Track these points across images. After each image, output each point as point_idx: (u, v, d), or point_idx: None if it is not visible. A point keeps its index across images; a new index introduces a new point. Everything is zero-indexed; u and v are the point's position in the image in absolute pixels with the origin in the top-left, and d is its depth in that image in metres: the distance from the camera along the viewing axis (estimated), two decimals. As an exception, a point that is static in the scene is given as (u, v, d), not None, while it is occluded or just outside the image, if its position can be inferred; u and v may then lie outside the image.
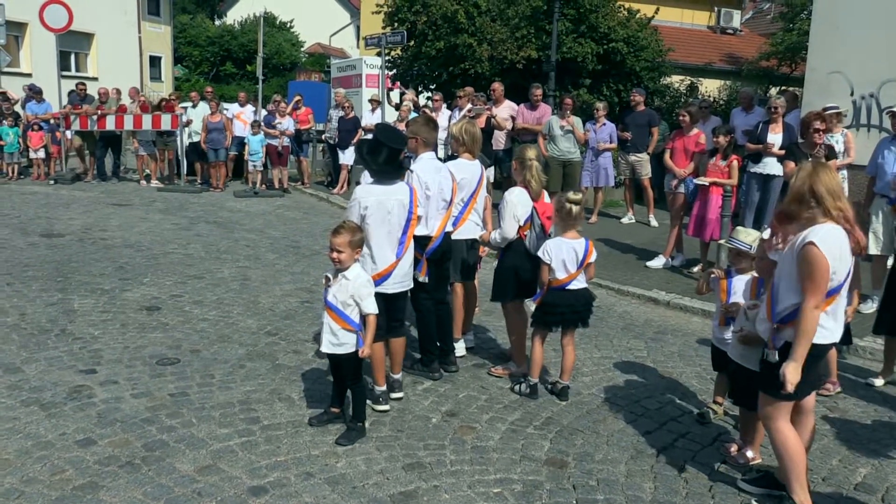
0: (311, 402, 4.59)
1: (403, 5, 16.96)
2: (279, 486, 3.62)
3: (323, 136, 15.31)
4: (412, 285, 4.68)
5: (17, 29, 20.71)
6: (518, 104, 11.59)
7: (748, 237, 4.20)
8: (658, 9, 16.76)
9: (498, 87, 11.37)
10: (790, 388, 3.26)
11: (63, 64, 19.55)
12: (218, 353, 5.37)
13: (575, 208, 4.63)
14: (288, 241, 9.59)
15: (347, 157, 13.77)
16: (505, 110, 11.23)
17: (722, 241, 5.93)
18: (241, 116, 14.69)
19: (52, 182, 13.87)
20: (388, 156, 4.38)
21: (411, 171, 4.77)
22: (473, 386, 5.02)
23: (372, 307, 4.03)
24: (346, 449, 4.01)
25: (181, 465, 3.78)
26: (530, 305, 4.76)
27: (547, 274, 4.63)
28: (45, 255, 8.18)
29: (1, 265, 7.65)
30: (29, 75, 20.10)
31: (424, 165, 4.86)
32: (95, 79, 23.81)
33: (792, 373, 3.26)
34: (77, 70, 24.36)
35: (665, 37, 16.92)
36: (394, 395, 4.63)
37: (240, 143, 14.48)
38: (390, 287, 4.46)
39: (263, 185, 14.07)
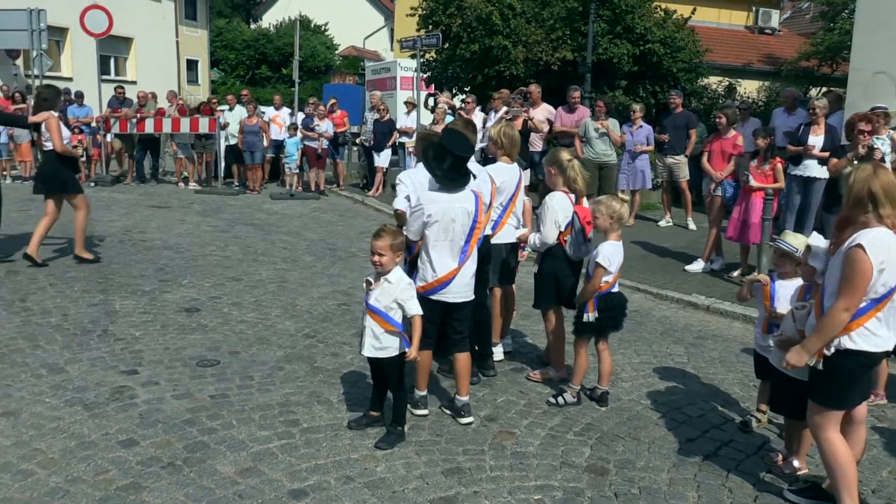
0: (349, 405, 4.59)
1: (438, 8, 16.96)
2: (319, 490, 3.62)
3: (358, 139, 15.38)
4: (473, 296, 4.53)
5: (58, 34, 21.15)
6: (553, 106, 11.53)
7: (795, 240, 4.11)
8: (695, 9, 16.55)
9: (535, 89, 11.31)
10: (787, 365, 3.40)
11: (103, 68, 19.95)
12: (257, 355, 5.40)
13: (625, 211, 4.61)
14: (324, 243, 9.64)
15: (383, 159, 13.83)
16: (542, 112, 11.17)
17: (772, 242, 5.80)
18: (277, 119, 14.83)
19: (92, 184, 14.11)
20: (453, 163, 4.27)
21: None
22: (512, 390, 4.98)
23: (417, 308, 4.01)
24: (386, 453, 4.00)
25: (222, 467, 3.80)
26: (590, 317, 4.63)
27: (600, 279, 4.57)
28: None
29: (47, 267, 7.79)
30: (70, 79, 20.52)
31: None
32: (134, 82, 24.26)
33: (795, 357, 3.34)
34: (116, 74, 24.84)
35: (702, 37, 16.70)
36: (463, 421, 4.40)
37: (276, 145, 14.62)
38: (451, 295, 4.33)
39: (299, 188, 14.18)
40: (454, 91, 17.37)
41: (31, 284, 7.09)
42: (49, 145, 7.86)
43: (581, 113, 11.16)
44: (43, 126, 7.78)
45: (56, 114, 8.02)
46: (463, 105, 13.21)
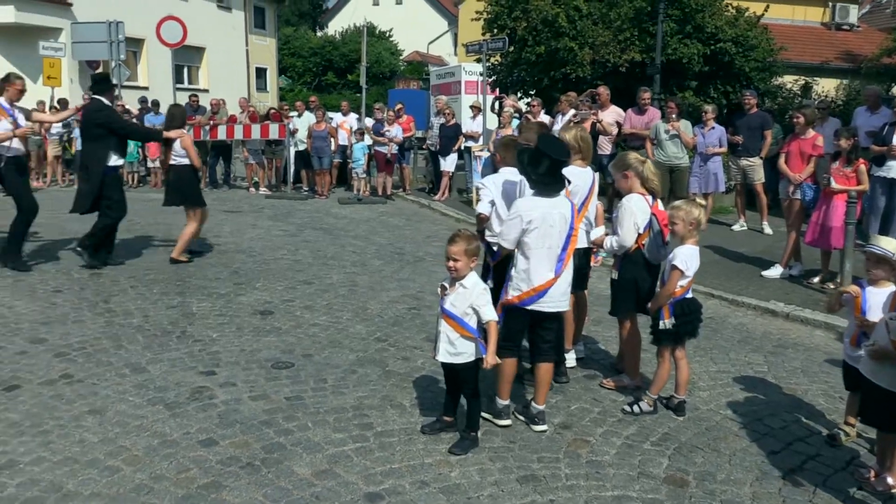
0: (422, 409, 4.59)
1: (503, 12, 16.93)
2: (395, 494, 3.63)
3: (425, 144, 15.46)
4: (567, 307, 4.45)
5: (135, 45, 21.93)
6: (621, 108, 11.36)
7: (889, 245, 3.92)
8: (768, 6, 16.07)
9: (604, 91, 11.16)
10: None
11: (177, 77, 20.59)
12: (329, 358, 5.46)
13: (703, 217, 4.51)
14: (392, 247, 9.71)
15: (449, 163, 13.87)
16: (611, 115, 11.02)
17: (861, 247, 5.55)
18: (344, 125, 15.03)
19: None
20: (549, 167, 4.20)
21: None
22: (585, 398, 4.90)
23: (492, 314, 3.99)
24: (460, 459, 3.98)
25: (299, 469, 3.84)
26: (666, 324, 4.53)
27: (675, 283, 4.46)
28: (165, 259, 8.55)
29: (125, 269, 8.07)
30: (146, 88, 21.24)
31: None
32: (206, 90, 24.96)
33: None
34: (189, 83, 25.59)
35: (776, 35, 16.21)
36: (536, 428, 4.33)
37: (343, 150, 14.82)
38: (545, 305, 4.26)
39: (366, 192, 14.33)
40: (520, 94, 17.31)
41: (113, 287, 7.34)
42: (180, 160, 8.35)
43: (651, 115, 10.96)
44: (178, 142, 8.28)
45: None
46: (529, 108, 13.14)
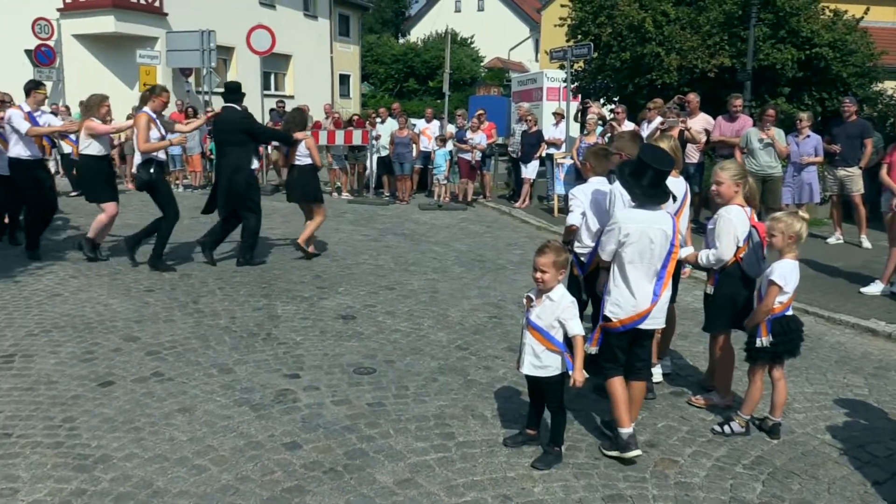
0: (504, 421, 4.53)
1: (588, 17, 16.74)
2: (477, 507, 3.57)
3: (506, 150, 15.40)
4: (664, 324, 4.29)
5: (225, 53, 22.67)
6: (711, 116, 11.01)
7: None
8: (868, 9, 15.34)
9: (693, 98, 10.84)
10: None
11: (264, 83, 21.16)
12: (411, 365, 5.46)
13: (805, 230, 4.29)
14: (473, 254, 9.68)
15: (530, 171, 13.77)
16: (699, 122, 10.69)
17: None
18: (426, 132, 15.12)
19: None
20: (653, 178, 4.04)
21: (612, 190, 4.59)
22: (673, 416, 4.74)
23: (579, 328, 3.88)
24: (543, 473, 3.90)
25: (381, 476, 3.84)
26: (764, 342, 4.31)
27: (773, 299, 4.26)
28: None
29: (214, 270, 8.30)
30: (236, 95, 21.86)
31: (628, 183, 4.66)
32: (292, 97, 25.57)
33: None
34: (276, 89, 26.27)
35: (877, 39, 15.48)
36: (628, 455, 4.02)
37: (425, 156, 14.91)
38: (646, 324, 4.11)
39: (447, 198, 14.37)
40: (603, 101, 17.06)
41: (202, 287, 7.56)
42: (304, 160, 8.91)
43: (742, 122, 10.58)
44: (302, 143, 8.83)
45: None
46: (613, 115, 12.93)
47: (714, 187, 4.64)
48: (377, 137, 14.67)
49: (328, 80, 29.66)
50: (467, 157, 14.04)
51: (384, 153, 14.78)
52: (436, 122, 15.54)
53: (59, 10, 19.66)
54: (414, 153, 14.50)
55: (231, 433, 4.30)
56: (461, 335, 6.21)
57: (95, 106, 8.43)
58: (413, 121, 16.17)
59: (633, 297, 4.06)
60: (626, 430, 4.03)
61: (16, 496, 3.60)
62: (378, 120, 15.33)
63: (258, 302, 7.06)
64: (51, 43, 19.33)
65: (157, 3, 20.31)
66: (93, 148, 8.26)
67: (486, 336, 6.21)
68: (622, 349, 4.15)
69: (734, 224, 4.50)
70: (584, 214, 4.95)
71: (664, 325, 4.26)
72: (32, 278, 7.80)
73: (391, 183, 15.17)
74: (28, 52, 19.02)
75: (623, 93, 16.08)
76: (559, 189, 12.87)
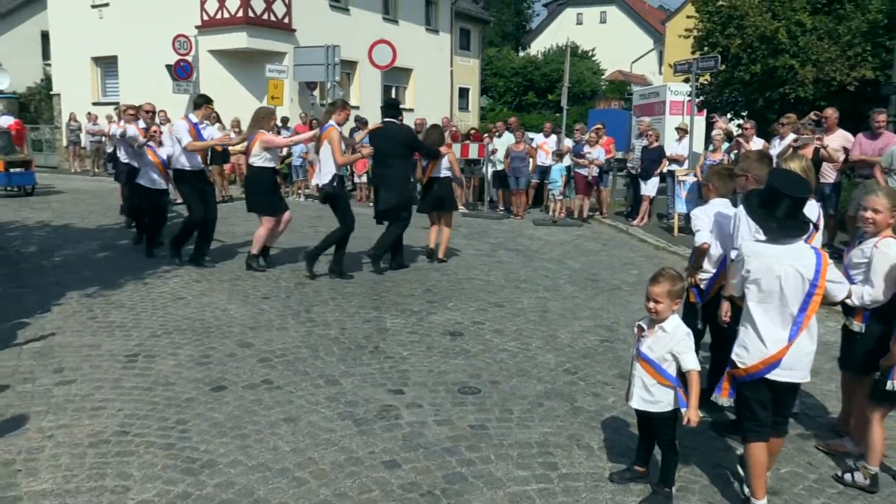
0: (611, 454, 4.30)
1: (715, 28, 16.13)
2: (578, 546, 3.38)
3: (627, 166, 14.99)
4: (808, 377, 3.71)
5: (349, 67, 23.29)
6: (850, 133, 10.25)
7: None
8: None
9: (832, 113, 10.11)
10: None
11: (385, 96, 21.59)
12: (517, 388, 5.31)
13: None
14: (587, 273, 9.40)
15: (650, 187, 13.32)
16: (837, 140, 9.96)
17: None
18: (544, 146, 14.93)
19: (371, 204, 15.22)
20: (789, 208, 3.56)
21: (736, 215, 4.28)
22: (798, 461, 4.35)
23: (694, 363, 3.61)
24: (651, 515, 3.66)
25: (479, 504, 3.72)
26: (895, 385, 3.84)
27: None
28: (365, 273, 8.88)
29: (327, 280, 8.45)
30: (357, 108, 22.45)
31: (755, 206, 4.34)
32: (411, 110, 25.94)
33: None
34: (397, 102, 26.71)
35: None
36: None
37: (541, 171, 14.73)
38: (780, 374, 3.57)
39: (562, 214, 14.11)
40: (730, 116, 16.32)
41: (315, 297, 7.70)
42: (445, 173, 9.48)
43: (886, 140, 9.76)
44: (446, 157, 9.36)
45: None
46: (741, 131, 12.30)
47: (868, 214, 4.10)
48: (493, 151, 14.62)
49: (447, 93, 29.94)
50: (584, 172, 13.74)
51: (500, 167, 14.71)
52: (553, 137, 15.32)
53: (197, 27, 20.82)
54: (530, 168, 14.34)
55: (332, 447, 4.29)
56: (570, 358, 6.00)
57: (266, 119, 8.81)
58: (530, 135, 16.03)
59: (761, 341, 3.59)
60: (759, 501, 3.65)
61: (126, 494, 3.72)
62: (495, 134, 15.29)
63: (368, 314, 7.11)
64: (189, 58, 20.50)
65: (286, 20, 21.14)
66: (263, 160, 8.63)
67: (596, 361, 5.97)
68: (761, 404, 3.63)
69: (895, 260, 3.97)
70: (711, 232, 4.66)
71: (807, 378, 3.69)
72: (160, 281, 8.20)
73: (506, 197, 15.07)
74: (168, 66, 20.24)
75: (752, 107, 15.36)
76: (680, 207, 12.36)
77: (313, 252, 8.61)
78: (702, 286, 4.87)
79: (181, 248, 9.08)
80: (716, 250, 4.74)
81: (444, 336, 6.48)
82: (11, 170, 15.94)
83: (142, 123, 9.82)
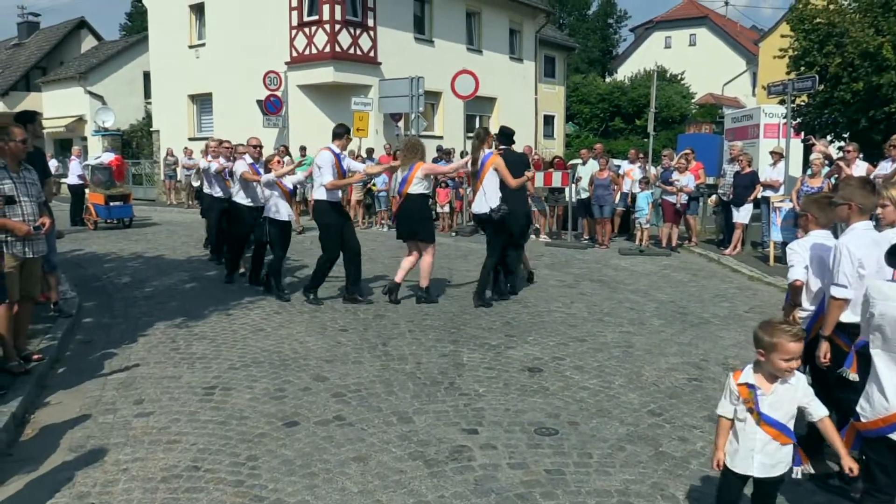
0: (699, 506, 3.98)
1: (812, 47, 15.40)
2: None
3: (718, 192, 14.41)
4: None
5: (433, 97, 23.49)
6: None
7: None
8: None
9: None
10: None
11: (468, 126, 21.64)
12: (597, 429, 5.03)
13: None
14: (675, 305, 8.98)
15: (742, 215, 12.73)
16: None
17: None
18: (630, 173, 14.56)
19: (453, 234, 15.18)
20: None
21: (838, 245, 3.93)
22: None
23: (822, 408, 3.23)
24: (744, 578, 3.33)
25: (553, 558, 3.47)
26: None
27: None
28: (443, 304, 8.76)
29: (406, 311, 8.38)
30: (440, 137, 22.59)
31: (858, 237, 3.98)
32: (415, 135, 25.91)
33: None
34: (481, 131, 26.75)
35: None
36: None
37: (627, 199, 14.34)
38: None
39: (649, 243, 13.66)
40: (830, 138, 15.50)
41: (393, 329, 7.62)
42: (421, 189, 8.89)
43: None
44: (421, 171, 8.88)
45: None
46: (842, 154, 11.61)
47: None
48: (578, 180, 14.34)
49: (532, 121, 29.79)
50: (672, 199, 13.28)
51: (585, 195, 14.40)
52: (639, 164, 14.92)
53: (286, 63, 21.49)
54: (615, 195, 13.98)
55: (401, 489, 4.14)
56: (655, 398, 5.67)
57: (421, 148, 8.97)
58: (616, 162, 15.67)
59: (883, 396, 3.17)
60: None
61: (193, 536, 3.66)
62: (579, 161, 15.01)
63: (445, 347, 6.97)
64: (279, 93, 21.14)
65: (371, 54, 21.56)
66: (422, 188, 8.75)
67: (683, 401, 5.61)
68: (883, 469, 3.21)
69: None
70: (806, 268, 4.32)
71: None
72: (242, 312, 8.31)
73: (590, 226, 14.73)
74: (259, 101, 20.92)
75: (854, 128, 14.53)
76: (776, 236, 11.74)
77: (479, 290, 8.79)
78: (801, 325, 4.51)
79: (317, 289, 8.86)
80: (816, 285, 4.39)
81: (522, 372, 6.26)
82: (111, 203, 16.75)
83: (249, 158, 9.67)
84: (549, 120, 32.86)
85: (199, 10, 25.06)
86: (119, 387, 5.84)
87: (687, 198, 13.40)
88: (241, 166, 9.63)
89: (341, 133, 8.84)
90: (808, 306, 4.44)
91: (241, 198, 9.70)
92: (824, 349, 4.08)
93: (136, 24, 51.40)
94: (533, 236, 14.95)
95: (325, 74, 20.88)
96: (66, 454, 4.61)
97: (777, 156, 13.06)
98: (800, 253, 4.38)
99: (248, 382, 5.93)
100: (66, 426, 5.04)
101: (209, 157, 11.05)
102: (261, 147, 10.11)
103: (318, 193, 8.68)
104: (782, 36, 16.94)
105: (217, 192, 10.95)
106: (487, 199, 8.58)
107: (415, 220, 8.74)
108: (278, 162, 9.84)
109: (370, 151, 18.54)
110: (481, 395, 5.68)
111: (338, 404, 5.45)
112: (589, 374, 6.23)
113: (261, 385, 5.87)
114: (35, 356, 6.27)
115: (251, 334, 7.39)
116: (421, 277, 8.87)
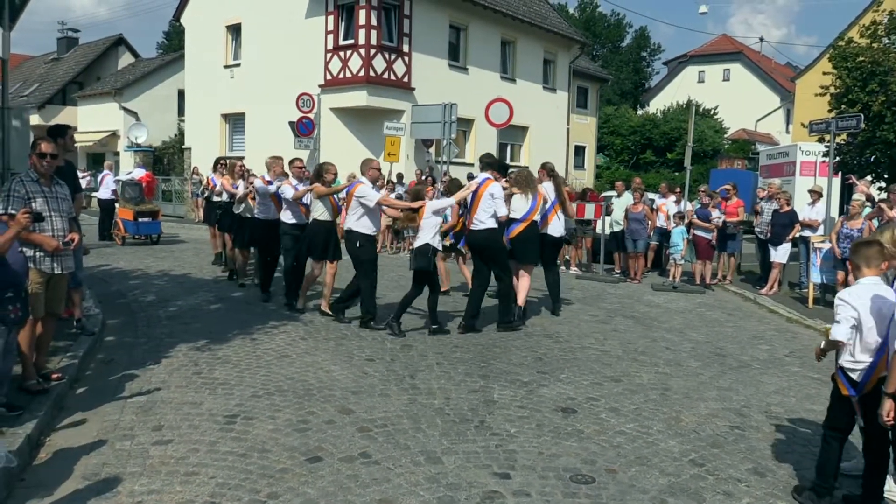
0: (751, 572, 3.68)
1: (854, 85, 15.07)
2: None
3: (755, 230, 14.07)
4: None
5: (465, 125, 23.44)
6: None
7: None
8: None
9: None
10: None
11: (500, 154, 21.51)
12: (635, 479, 4.74)
13: None
14: (711, 346, 8.65)
15: (780, 254, 12.39)
16: None
17: None
18: (663, 207, 14.28)
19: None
20: None
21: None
22: None
23: None
24: None
25: None
26: None
27: None
28: (472, 336, 8.52)
29: (434, 343, 8.14)
30: (471, 164, 22.45)
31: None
32: (526, 167, 25.73)
33: None
34: (511, 159, 26.63)
35: None
36: None
37: (660, 233, 14.04)
38: None
39: (683, 280, 13.32)
40: (872, 178, 15.12)
41: (421, 361, 7.38)
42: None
43: None
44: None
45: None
46: (885, 195, 11.26)
47: None
48: (610, 212, 14.08)
49: (563, 151, 29.62)
50: (707, 235, 12.95)
51: (617, 228, 14.12)
52: (672, 198, 14.64)
53: (320, 86, 21.54)
54: (648, 230, 13.69)
55: (431, 538, 3.89)
56: (696, 446, 5.36)
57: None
58: (650, 195, 15.40)
59: None
60: None
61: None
62: (613, 194, 14.76)
63: (475, 383, 6.71)
64: (311, 115, 21.17)
65: (405, 79, 21.56)
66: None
67: (726, 451, 5.30)
68: None
69: None
70: (854, 328, 4.06)
71: None
72: (267, 337, 8.13)
73: (622, 260, 14.43)
74: (291, 123, 20.96)
75: (897, 169, 14.15)
76: (815, 277, 11.38)
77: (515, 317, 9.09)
78: (854, 377, 4.23)
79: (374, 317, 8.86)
80: (873, 337, 4.12)
81: (555, 412, 5.98)
82: (140, 219, 16.76)
83: (293, 179, 9.90)
84: (580, 150, 32.70)
85: (235, 31, 25.31)
86: (138, 411, 5.66)
87: (723, 234, 13.08)
88: (288, 189, 9.77)
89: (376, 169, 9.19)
90: (862, 357, 4.16)
91: (287, 217, 9.82)
92: (888, 408, 3.80)
93: (174, 42, 52.33)
94: (563, 268, 14.70)
95: (358, 98, 20.90)
96: (79, 482, 4.42)
97: (816, 195, 12.73)
98: (847, 306, 4.13)
99: (270, 412, 5.72)
100: (81, 451, 4.86)
101: (266, 178, 10.40)
102: (304, 167, 10.46)
103: (359, 225, 8.70)
104: (824, 73, 16.64)
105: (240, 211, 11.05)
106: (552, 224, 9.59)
107: (527, 247, 9.35)
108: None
109: (400, 177, 18.45)
110: (513, 436, 5.42)
111: (363, 440, 5.22)
112: (625, 417, 5.94)
113: (284, 415, 5.65)
114: (55, 375, 6.13)
115: (275, 360, 7.19)
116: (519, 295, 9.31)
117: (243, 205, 10.92)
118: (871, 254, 4.26)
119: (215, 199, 12.79)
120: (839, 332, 4.14)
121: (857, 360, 4.21)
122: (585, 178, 31.78)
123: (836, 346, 4.24)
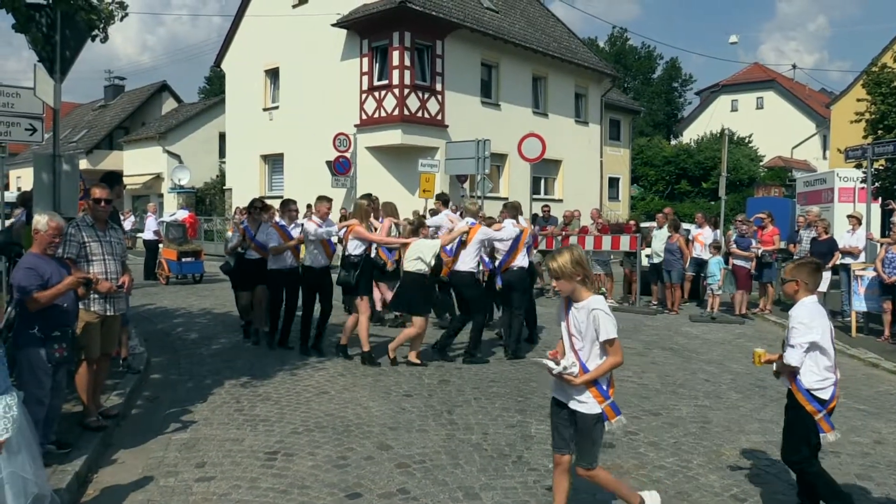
0: None
1: (890, 110, 14.93)
2: None
3: (793, 258, 13.91)
4: None
5: (499, 160, 23.63)
6: None
7: None
8: None
9: None
10: None
11: (534, 188, 21.60)
12: (676, 514, 4.72)
13: None
14: (752, 378, 8.54)
15: (821, 283, 12.18)
16: None
17: None
18: (699, 237, 14.19)
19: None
20: None
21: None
22: None
23: None
24: None
25: None
26: None
27: None
28: (508, 370, 8.55)
29: (472, 378, 8.18)
30: (505, 198, 22.57)
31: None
32: (560, 200, 25.82)
33: None
34: (545, 193, 26.73)
35: None
36: None
37: (697, 264, 13.94)
38: None
39: (720, 310, 13.18)
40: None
41: (458, 396, 7.42)
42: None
43: None
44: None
45: None
46: (926, 221, 11.09)
47: None
48: (647, 243, 14.04)
49: (597, 183, 29.65)
50: (745, 265, 12.83)
51: (657, 260, 14.06)
52: (708, 228, 14.55)
53: (356, 125, 21.97)
54: (685, 260, 13.61)
55: (469, 574, 3.91)
56: (738, 481, 5.30)
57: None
58: (686, 226, 15.32)
59: None
60: None
61: None
62: (654, 224, 14.73)
63: (512, 418, 6.73)
64: (347, 154, 21.55)
65: (439, 117, 21.88)
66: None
67: (768, 486, 5.24)
68: None
69: None
70: (808, 350, 4.37)
71: None
72: (307, 374, 8.25)
73: (659, 291, 14.33)
74: (328, 162, 21.35)
75: (940, 195, 13.89)
76: (858, 305, 11.19)
77: (510, 344, 9.40)
78: (823, 395, 4.46)
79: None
80: (829, 353, 4.40)
81: (593, 447, 5.96)
82: (183, 259, 17.16)
83: (317, 218, 9.33)
84: (613, 182, 32.65)
85: (273, 75, 26.00)
86: (182, 448, 5.79)
87: (760, 263, 12.96)
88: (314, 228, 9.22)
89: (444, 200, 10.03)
90: (828, 374, 4.45)
91: (309, 261, 9.37)
92: None
93: (215, 87, 53.78)
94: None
95: (392, 137, 21.26)
96: (127, 519, 4.55)
97: (855, 221, 12.56)
98: (808, 327, 4.41)
99: (310, 448, 5.81)
100: (128, 489, 4.99)
101: (315, 219, 9.40)
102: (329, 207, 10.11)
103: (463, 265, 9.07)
104: (858, 100, 16.51)
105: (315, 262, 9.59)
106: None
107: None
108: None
109: (434, 213, 18.60)
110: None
111: (402, 476, 5.27)
112: (665, 451, 5.91)
113: (323, 452, 5.73)
114: (112, 412, 6.33)
115: (315, 397, 7.30)
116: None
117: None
118: (818, 276, 4.62)
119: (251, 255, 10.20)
120: (795, 357, 4.34)
121: (824, 377, 4.40)
122: (620, 210, 31.68)
123: (791, 371, 4.38)
